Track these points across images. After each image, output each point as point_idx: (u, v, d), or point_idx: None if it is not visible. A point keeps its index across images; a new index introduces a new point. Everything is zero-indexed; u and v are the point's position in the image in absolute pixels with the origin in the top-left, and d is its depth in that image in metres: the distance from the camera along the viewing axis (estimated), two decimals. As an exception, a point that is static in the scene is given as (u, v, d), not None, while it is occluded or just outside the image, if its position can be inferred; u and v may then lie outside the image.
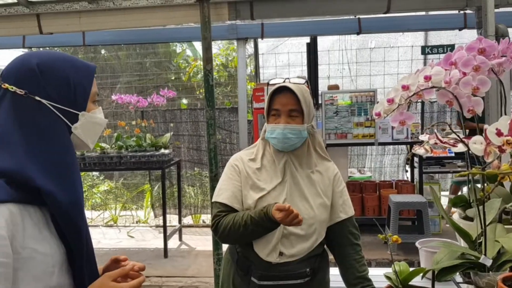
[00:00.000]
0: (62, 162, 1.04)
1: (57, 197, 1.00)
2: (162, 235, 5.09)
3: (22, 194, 0.97)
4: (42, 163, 1.00)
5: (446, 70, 1.32)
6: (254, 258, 1.67)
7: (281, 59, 6.83)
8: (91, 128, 1.14)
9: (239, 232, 1.61)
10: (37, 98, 1.03)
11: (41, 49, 5.22)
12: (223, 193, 1.73)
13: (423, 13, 5.04)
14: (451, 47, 5.20)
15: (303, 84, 1.78)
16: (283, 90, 1.69)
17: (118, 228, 6.41)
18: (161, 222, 5.37)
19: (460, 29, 4.95)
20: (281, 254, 1.64)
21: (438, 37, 6.92)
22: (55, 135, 1.05)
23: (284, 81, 1.75)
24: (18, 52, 4.59)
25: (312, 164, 1.74)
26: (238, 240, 1.71)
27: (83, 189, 1.15)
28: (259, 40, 5.70)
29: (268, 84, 1.89)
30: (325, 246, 1.79)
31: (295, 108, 1.68)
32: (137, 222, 6.74)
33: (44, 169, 1.00)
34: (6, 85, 1.03)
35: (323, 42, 6.63)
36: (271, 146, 1.74)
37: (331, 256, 1.82)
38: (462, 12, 4.64)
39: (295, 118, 1.68)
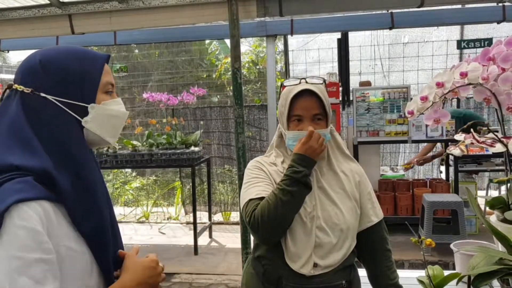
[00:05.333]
0: (71, 158, 1.01)
1: (71, 195, 0.98)
2: (192, 232, 5.12)
3: (52, 192, 0.96)
4: (57, 161, 0.99)
5: (483, 66, 1.26)
6: (284, 270, 1.54)
7: (311, 56, 6.77)
8: (105, 121, 1.09)
9: (276, 213, 1.44)
10: (43, 94, 1.02)
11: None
12: (253, 187, 1.60)
13: (459, 6, 4.86)
14: (489, 41, 5.01)
15: (322, 84, 1.60)
16: (303, 93, 1.54)
17: (150, 225, 6.50)
18: (191, 219, 5.40)
19: (498, 22, 4.76)
20: (315, 265, 1.52)
21: (475, 31, 6.70)
22: (64, 131, 1.03)
23: (300, 82, 1.58)
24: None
25: (335, 165, 1.63)
26: (278, 224, 1.48)
27: (104, 185, 1.12)
28: (289, 36, 5.65)
29: (282, 85, 1.71)
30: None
31: (319, 112, 1.55)
32: (168, 219, 6.81)
33: (59, 166, 0.98)
34: (16, 85, 1.03)
35: (355, 38, 6.54)
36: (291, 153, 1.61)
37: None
38: (500, 4, 4.46)
39: (319, 122, 1.55)
